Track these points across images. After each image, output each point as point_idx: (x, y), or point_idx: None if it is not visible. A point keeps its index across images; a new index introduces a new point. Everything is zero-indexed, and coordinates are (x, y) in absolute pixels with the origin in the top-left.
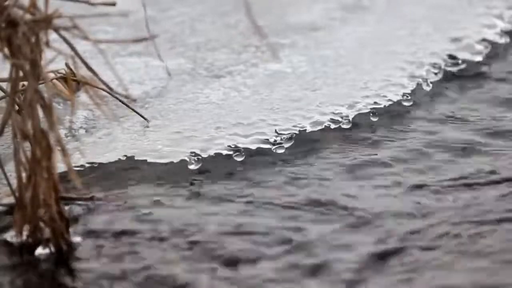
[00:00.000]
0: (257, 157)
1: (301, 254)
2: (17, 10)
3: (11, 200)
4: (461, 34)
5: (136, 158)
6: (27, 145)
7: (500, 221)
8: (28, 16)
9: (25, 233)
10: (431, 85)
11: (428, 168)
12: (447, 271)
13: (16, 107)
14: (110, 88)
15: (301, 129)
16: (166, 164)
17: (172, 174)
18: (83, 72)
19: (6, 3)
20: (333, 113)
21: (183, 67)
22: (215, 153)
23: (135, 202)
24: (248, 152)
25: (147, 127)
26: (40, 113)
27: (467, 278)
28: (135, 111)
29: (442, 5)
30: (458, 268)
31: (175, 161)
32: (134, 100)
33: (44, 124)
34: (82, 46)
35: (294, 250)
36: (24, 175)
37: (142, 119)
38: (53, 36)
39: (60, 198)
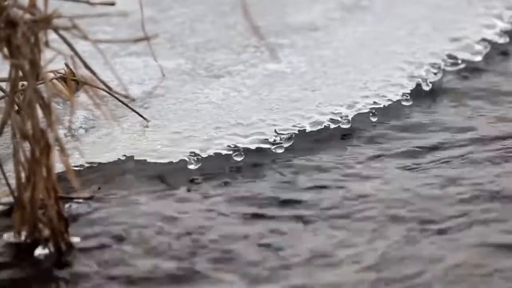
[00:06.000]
0: (257, 157)
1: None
2: (17, 10)
3: (10, 200)
4: (460, 34)
5: (135, 158)
6: (26, 145)
7: None
8: (27, 16)
9: (24, 233)
10: (430, 85)
11: (428, 166)
12: None
13: (16, 107)
14: (110, 88)
15: (301, 129)
16: (165, 164)
17: (171, 174)
18: (82, 72)
19: (6, 3)
20: (333, 113)
21: (182, 67)
22: (214, 153)
23: (135, 202)
24: (247, 152)
25: (147, 127)
26: (40, 113)
27: None
28: (134, 111)
29: (442, 5)
30: None
31: (174, 161)
32: (134, 100)
33: (43, 124)
34: (81, 46)
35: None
36: (23, 175)
37: (141, 119)
38: (52, 36)
39: (59, 198)
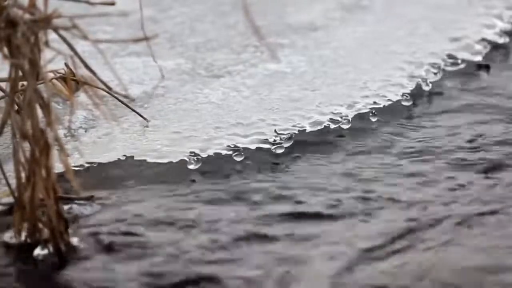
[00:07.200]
0: (257, 157)
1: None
2: (17, 10)
3: (10, 200)
4: (460, 34)
5: (135, 158)
6: (26, 145)
7: None
8: (27, 16)
9: (24, 234)
10: (430, 85)
11: (428, 168)
12: None
13: (16, 107)
14: (110, 88)
15: (301, 129)
16: (165, 164)
17: (171, 174)
18: (82, 72)
19: (6, 3)
20: (333, 113)
21: (182, 67)
22: (214, 153)
23: (134, 202)
24: (247, 152)
25: (147, 127)
26: (39, 113)
27: None
28: (134, 111)
29: (442, 5)
30: None
31: (174, 161)
32: (133, 100)
33: (43, 124)
34: (81, 46)
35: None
36: (23, 175)
37: (141, 119)
38: (52, 36)
39: (59, 198)
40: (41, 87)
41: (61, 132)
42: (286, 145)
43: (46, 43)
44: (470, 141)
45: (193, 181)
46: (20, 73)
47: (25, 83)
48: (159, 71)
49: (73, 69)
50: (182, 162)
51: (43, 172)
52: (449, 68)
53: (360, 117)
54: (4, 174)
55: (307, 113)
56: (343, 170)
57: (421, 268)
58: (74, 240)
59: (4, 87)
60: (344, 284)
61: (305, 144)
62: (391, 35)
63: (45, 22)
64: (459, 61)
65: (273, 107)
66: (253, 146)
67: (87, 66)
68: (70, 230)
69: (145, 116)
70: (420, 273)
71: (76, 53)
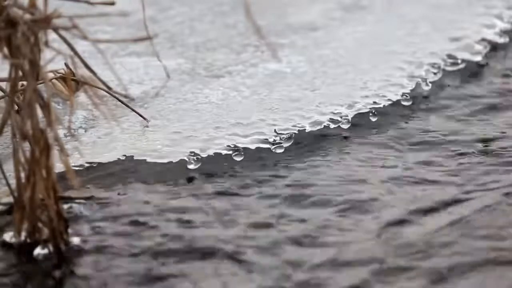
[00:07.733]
0: (256, 157)
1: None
2: (17, 9)
3: (10, 200)
4: (460, 34)
5: (135, 158)
6: (26, 145)
7: None
8: (27, 16)
9: (23, 233)
10: (430, 85)
11: (427, 168)
12: None
13: (16, 107)
14: (110, 88)
15: (301, 129)
16: (165, 164)
17: (171, 174)
18: (82, 72)
19: (6, 2)
20: (333, 113)
21: (182, 67)
22: (214, 153)
23: (134, 202)
24: (247, 152)
25: (147, 127)
26: (39, 113)
27: None
28: (134, 111)
29: (441, 5)
30: None
31: (174, 161)
32: (133, 100)
33: (43, 124)
34: (81, 46)
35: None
36: (23, 175)
37: (141, 119)
38: (52, 36)
39: (59, 198)
40: (41, 87)
41: (61, 132)
42: (286, 145)
43: (46, 43)
44: (470, 141)
45: (193, 181)
46: (20, 73)
47: (25, 83)
48: (164, 70)
49: (73, 69)
50: (182, 162)
51: (43, 172)
52: (449, 68)
53: (360, 117)
54: (4, 174)
55: (307, 113)
56: (343, 170)
57: None
58: (74, 240)
59: (4, 87)
60: None
61: (305, 144)
62: (391, 35)
63: (45, 22)
64: (459, 61)
65: (273, 107)
66: (253, 146)
67: (87, 66)
68: (70, 230)
69: (145, 116)
70: None
71: (76, 53)
